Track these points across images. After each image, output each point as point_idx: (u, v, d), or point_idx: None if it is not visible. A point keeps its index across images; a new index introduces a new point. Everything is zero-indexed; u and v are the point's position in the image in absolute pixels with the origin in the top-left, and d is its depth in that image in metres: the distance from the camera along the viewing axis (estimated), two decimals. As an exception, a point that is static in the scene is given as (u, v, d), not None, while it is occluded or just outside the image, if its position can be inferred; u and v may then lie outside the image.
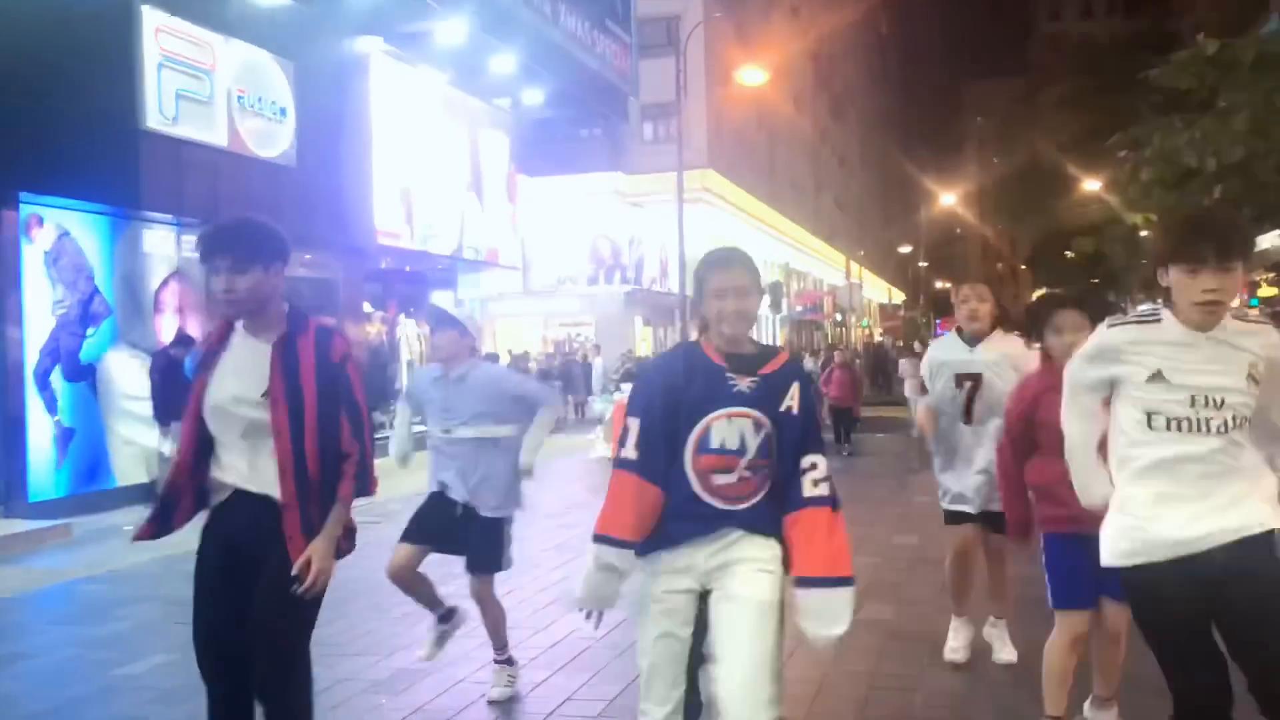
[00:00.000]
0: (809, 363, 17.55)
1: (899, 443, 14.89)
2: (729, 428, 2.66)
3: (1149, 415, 2.51)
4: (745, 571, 2.66)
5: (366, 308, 17.08)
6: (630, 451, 2.71)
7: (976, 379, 4.49)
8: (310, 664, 2.94)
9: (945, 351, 4.69)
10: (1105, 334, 2.62)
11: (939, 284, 66.09)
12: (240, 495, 2.87)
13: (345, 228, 14.86)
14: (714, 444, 2.66)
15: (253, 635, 2.80)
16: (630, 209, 28.51)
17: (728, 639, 2.61)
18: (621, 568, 2.71)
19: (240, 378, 2.86)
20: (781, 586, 2.70)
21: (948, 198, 60.02)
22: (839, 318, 47.05)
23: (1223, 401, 2.43)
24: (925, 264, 65.00)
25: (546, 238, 26.29)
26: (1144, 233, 15.22)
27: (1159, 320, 2.50)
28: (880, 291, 66.48)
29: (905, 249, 66.43)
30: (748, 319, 2.73)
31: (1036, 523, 3.61)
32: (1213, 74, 8.62)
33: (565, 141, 28.10)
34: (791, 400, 2.70)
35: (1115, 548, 2.63)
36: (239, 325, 2.95)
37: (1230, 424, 2.46)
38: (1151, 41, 29.13)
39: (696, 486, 2.68)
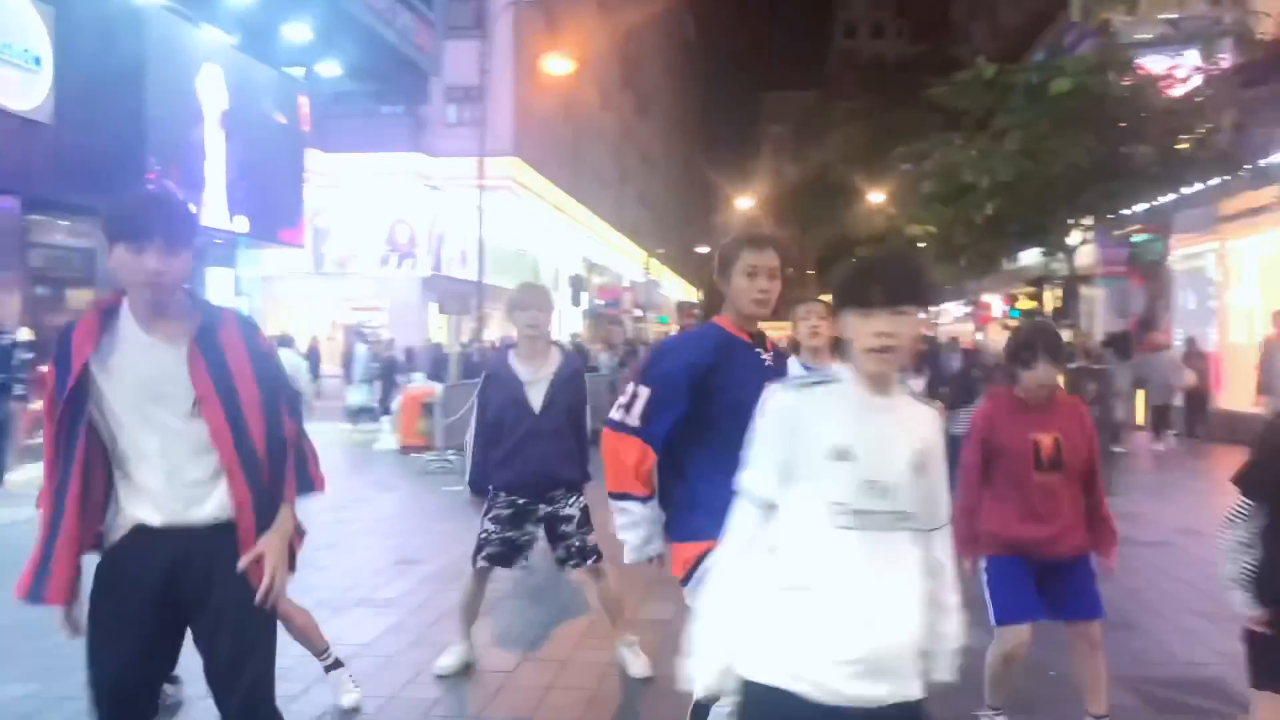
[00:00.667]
0: (605, 358, 17.48)
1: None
2: None
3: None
4: None
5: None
6: (634, 419, 2.80)
7: None
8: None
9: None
10: None
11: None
12: (152, 531, 2.46)
13: (110, 194, 13.60)
14: None
15: (226, 682, 2.48)
16: (431, 192, 27.72)
17: None
18: (651, 515, 2.84)
19: (150, 385, 2.43)
20: None
21: (745, 201, 61.95)
22: (639, 313, 47.65)
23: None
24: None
25: (340, 217, 25.12)
26: (922, 244, 16.09)
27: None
28: (679, 289, 67.85)
29: (704, 249, 68.14)
30: (770, 303, 2.82)
31: (979, 543, 3.68)
32: (989, 97, 9.14)
33: (364, 118, 26.98)
34: None
35: None
36: (123, 314, 2.47)
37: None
38: (934, 64, 31.01)
39: None
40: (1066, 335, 13.02)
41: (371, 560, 6.97)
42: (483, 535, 4.50)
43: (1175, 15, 6.74)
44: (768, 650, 2.04)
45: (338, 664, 4.19)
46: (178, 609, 2.49)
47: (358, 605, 5.74)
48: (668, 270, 58.43)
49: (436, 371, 16.14)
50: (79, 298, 12.48)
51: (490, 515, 4.50)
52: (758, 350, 2.87)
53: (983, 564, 3.66)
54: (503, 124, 27.74)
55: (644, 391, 2.81)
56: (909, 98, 21.79)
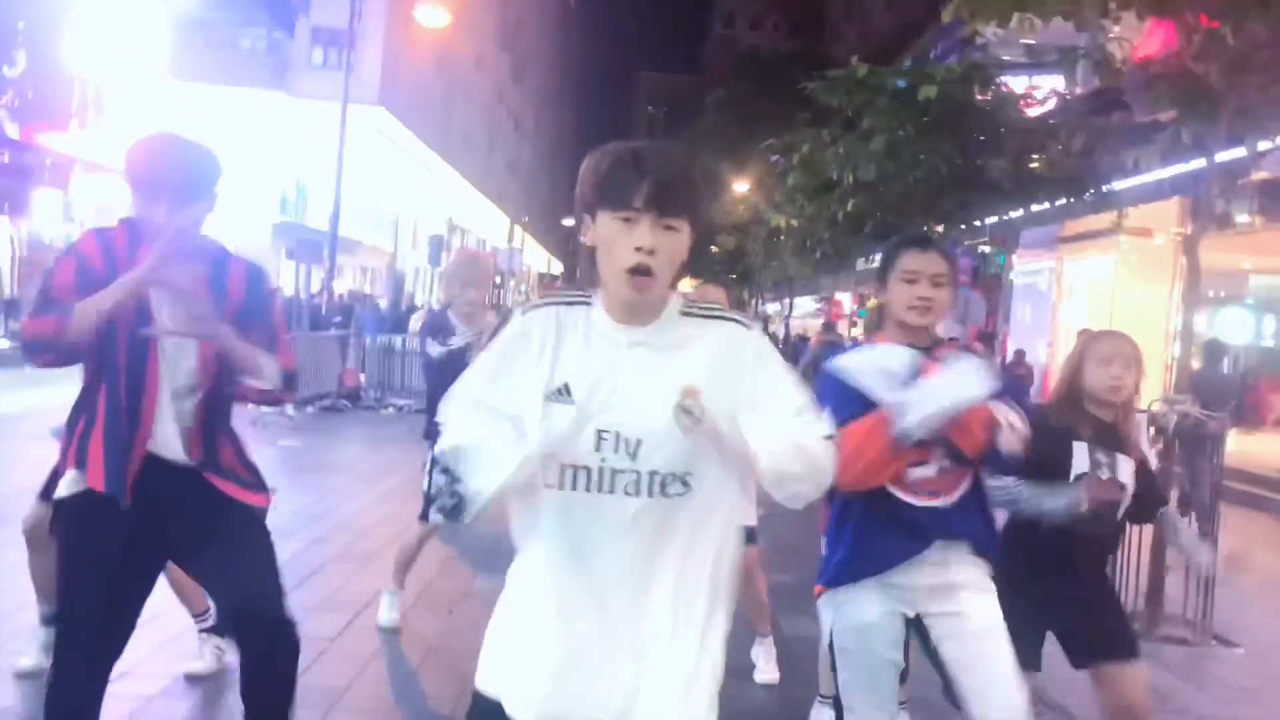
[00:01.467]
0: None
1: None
2: None
3: None
4: (971, 597, 2.46)
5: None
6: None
7: None
8: None
9: None
10: None
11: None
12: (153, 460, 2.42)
13: None
14: None
15: (247, 611, 2.58)
16: (292, 135, 26.47)
17: (984, 674, 2.40)
18: None
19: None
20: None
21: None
22: (498, 280, 47.06)
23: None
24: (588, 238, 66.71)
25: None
26: (782, 236, 16.40)
27: None
28: (542, 260, 67.39)
29: (569, 222, 67.89)
30: (936, 311, 2.48)
31: None
32: (860, 96, 9.32)
33: (224, 49, 25.57)
34: None
35: None
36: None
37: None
38: (808, 60, 31.62)
39: (890, 484, 2.42)
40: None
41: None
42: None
43: (1034, 40, 7.01)
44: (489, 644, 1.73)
45: (215, 631, 3.87)
46: (161, 543, 2.51)
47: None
48: (531, 240, 57.89)
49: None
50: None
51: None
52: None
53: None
54: (370, 72, 26.74)
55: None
56: (781, 91, 22.13)
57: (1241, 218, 11.21)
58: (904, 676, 2.52)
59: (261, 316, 2.56)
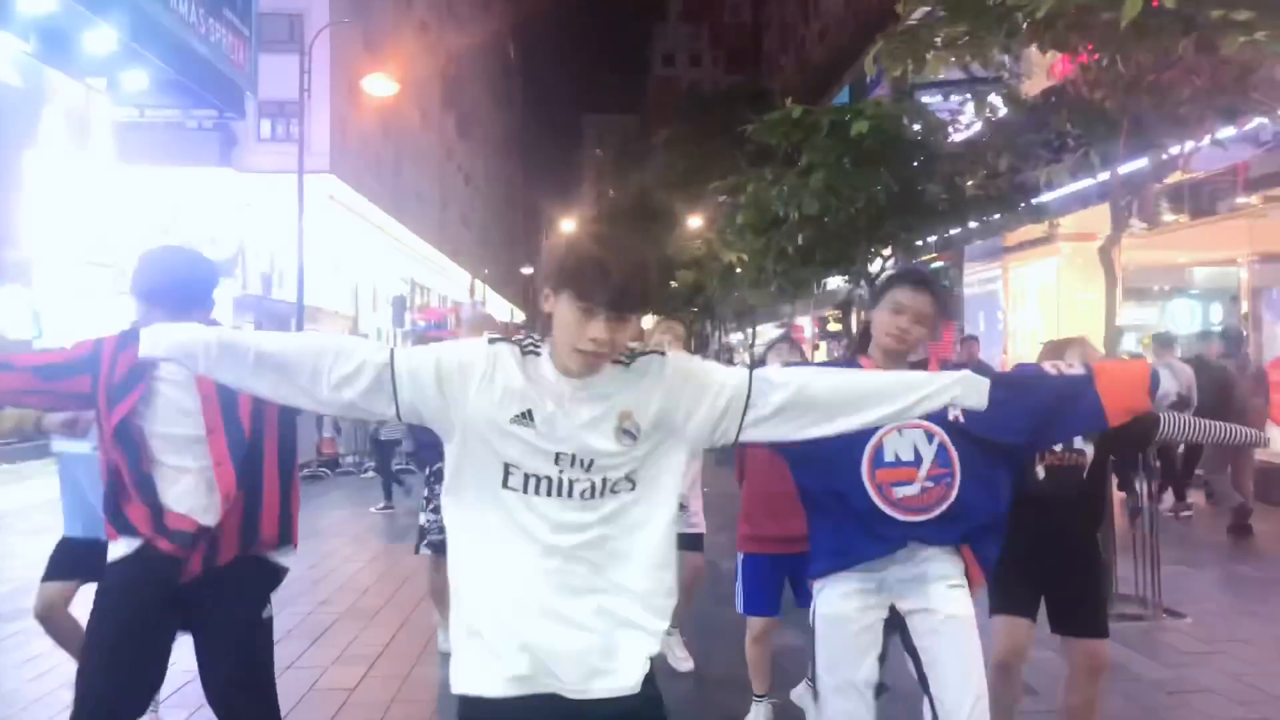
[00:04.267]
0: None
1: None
2: (900, 440, 2.67)
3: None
4: (942, 589, 2.69)
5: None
6: None
7: None
8: None
9: None
10: None
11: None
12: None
13: None
14: (888, 458, 2.67)
15: (233, 698, 2.68)
16: (241, 210, 26.74)
17: (951, 663, 2.63)
18: None
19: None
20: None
21: (568, 223, 62.55)
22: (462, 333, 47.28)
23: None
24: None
25: (146, 233, 23.83)
26: (739, 269, 16.84)
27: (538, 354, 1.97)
28: (504, 310, 67.69)
29: (527, 270, 68.27)
30: (909, 343, 2.73)
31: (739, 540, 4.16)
32: (796, 134, 9.79)
33: (172, 130, 25.79)
34: (957, 410, 2.45)
35: None
36: None
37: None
38: (747, 95, 32.31)
39: (877, 500, 2.67)
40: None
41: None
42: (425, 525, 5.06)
43: (941, 77, 7.50)
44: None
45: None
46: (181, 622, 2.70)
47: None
48: (492, 291, 58.23)
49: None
50: None
51: (432, 507, 4.98)
52: None
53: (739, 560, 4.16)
54: (320, 141, 27.15)
55: None
56: (724, 128, 22.70)
57: (1168, 217, 11.87)
58: (882, 659, 2.75)
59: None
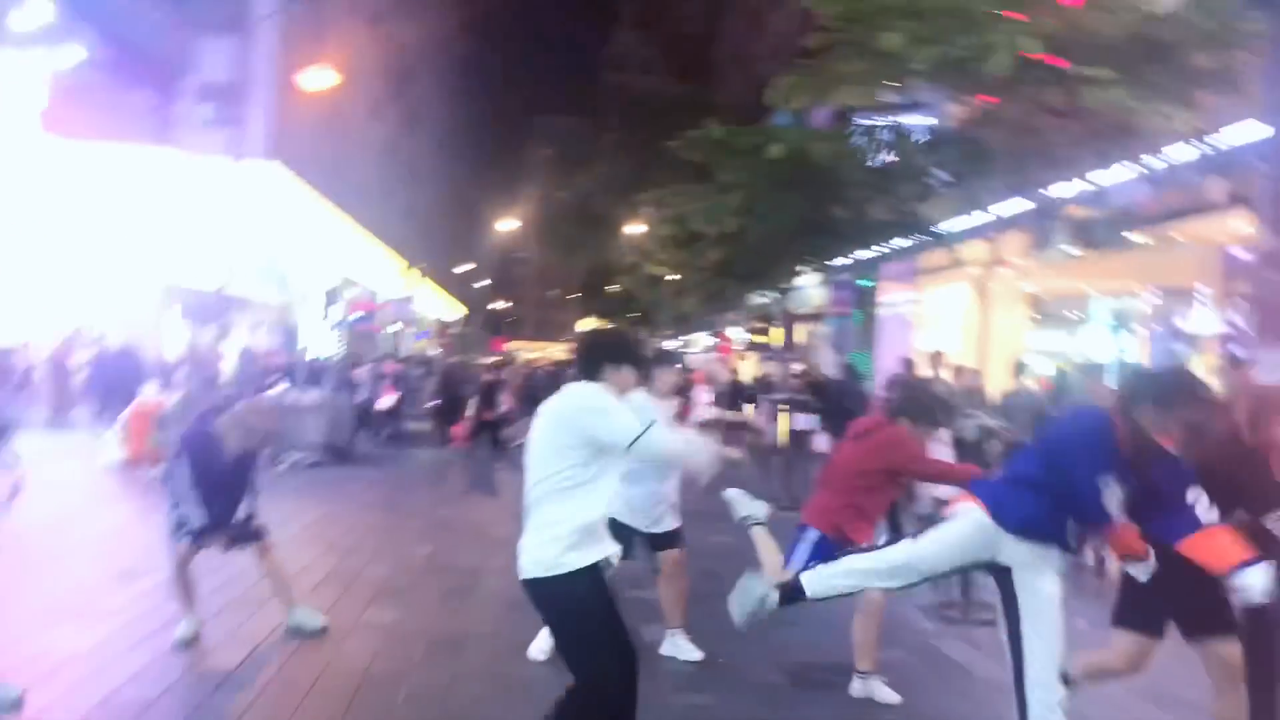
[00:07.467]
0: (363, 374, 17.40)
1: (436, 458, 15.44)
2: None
3: None
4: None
5: None
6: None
7: None
8: None
9: None
10: None
11: (499, 304, 68.45)
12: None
13: None
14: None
15: None
16: (180, 191, 26.34)
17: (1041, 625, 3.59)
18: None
19: None
20: None
21: (512, 221, 62.51)
22: (398, 328, 47.01)
23: None
24: (488, 282, 67.01)
25: (78, 211, 23.46)
26: (668, 277, 17.20)
27: None
28: (442, 306, 67.27)
29: (469, 266, 67.98)
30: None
31: None
32: (715, 155, 10.15)
33: (109, 108, 25.37)
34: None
35: None
36: None
37: None
38: (697, 105, 32.72)
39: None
40: (799, 367, 14.42)
41: (93, 572, 6.79)
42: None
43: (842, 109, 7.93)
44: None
45: None
46: None
47: (76, 616, 5.68)
48: (431, 285, 57.86)
49: (168, 382, 15.60)
50: None
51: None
52: None
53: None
54: (261, 126, 26.89)
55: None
56: (668, 136, 23.02)
57: (1066, 249, 12.44)
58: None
59: None
